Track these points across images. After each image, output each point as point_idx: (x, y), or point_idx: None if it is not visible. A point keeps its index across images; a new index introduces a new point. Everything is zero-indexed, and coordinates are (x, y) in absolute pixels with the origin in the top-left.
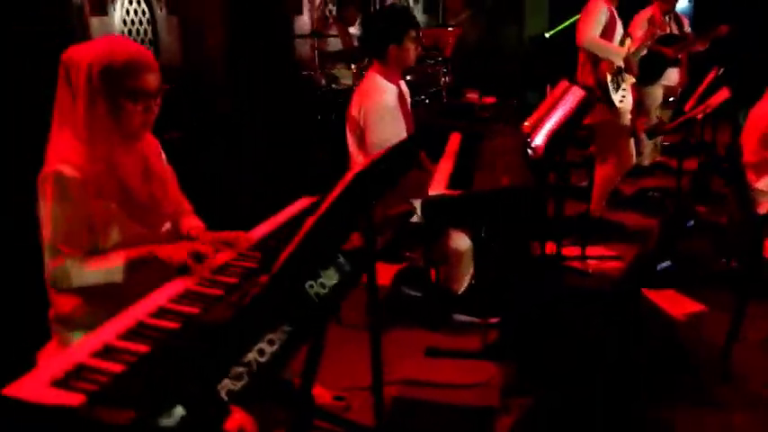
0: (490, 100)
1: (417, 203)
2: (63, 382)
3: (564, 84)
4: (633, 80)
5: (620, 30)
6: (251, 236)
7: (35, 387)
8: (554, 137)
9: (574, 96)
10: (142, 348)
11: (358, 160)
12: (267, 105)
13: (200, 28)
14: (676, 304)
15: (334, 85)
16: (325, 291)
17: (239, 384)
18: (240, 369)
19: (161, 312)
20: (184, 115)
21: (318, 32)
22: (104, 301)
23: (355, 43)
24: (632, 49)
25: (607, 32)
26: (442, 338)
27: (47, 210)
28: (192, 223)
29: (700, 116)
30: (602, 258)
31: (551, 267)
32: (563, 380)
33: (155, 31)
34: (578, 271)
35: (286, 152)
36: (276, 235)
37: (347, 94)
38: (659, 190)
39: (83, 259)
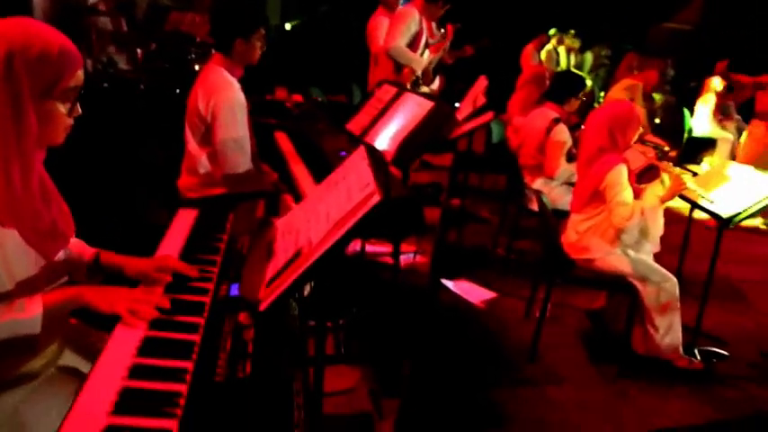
0: (298, 98)
1: None
2: None
3: (390, 88)
4: (427, 89)
5: (424, 40)
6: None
7: None
8: (405, 145)
9: (418, 106)
10: (164, 424)
11: (200, 158)
12: None
13: None
14: (472, 294)
15: (111, 70)
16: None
17: None
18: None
19: (139, 371)
20: None
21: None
22: (7, 354)
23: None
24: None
25: (415, 41)
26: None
27: None
28: (83, 248)
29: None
30: (407, 254)
31: (366, 266)
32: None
33: None
34: (391, 267)
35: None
36: (189, 258)
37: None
38: (431, 185)
39: None
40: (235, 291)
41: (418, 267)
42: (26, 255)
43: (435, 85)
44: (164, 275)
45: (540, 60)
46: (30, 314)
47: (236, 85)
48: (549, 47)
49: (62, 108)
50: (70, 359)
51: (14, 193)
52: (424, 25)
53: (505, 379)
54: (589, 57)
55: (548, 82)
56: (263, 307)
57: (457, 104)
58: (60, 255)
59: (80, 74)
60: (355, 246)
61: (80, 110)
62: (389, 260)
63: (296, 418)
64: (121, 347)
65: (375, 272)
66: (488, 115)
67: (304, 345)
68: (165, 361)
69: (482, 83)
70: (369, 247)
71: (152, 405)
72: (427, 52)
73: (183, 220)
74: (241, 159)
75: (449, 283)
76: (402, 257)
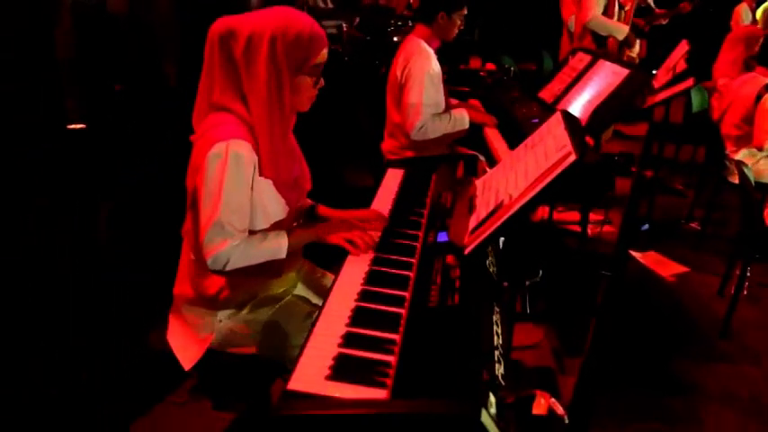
0: (491, 66)
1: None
2: (340, 375)
3: (584, 56)
4: (633, 54)
5: (617, 4)
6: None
7: (316, 383)
8: (597, 113)
9: (613, 74)
10: (389, 335)
11: (397, 122)
12: None
13: None
14: (662, 266)
15: None
16: (494, 268)
17: (501, 368)
18: (496, 353)
19: (368, 295)
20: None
21: None
22: (247, 281)
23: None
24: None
25: (608, 8)
26: None
27: (216, 187)
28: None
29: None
30: (595, 223)
31: (552, 232)
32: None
33: None
34: (578, 235)
35: None
36: (400, 210)
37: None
38: (622, 155)
39: (247, 239)
40: (442, 237)
41: (605, 237)
42: (276, 201)
43: (636, 48)
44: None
45: (754, 20)
46: (278, 243)
47: (432, 55)
48: (766, 4)
49: (309, 81)
50: (303, 291)
51: (275, 150)
52: None
53: (693, 351)
54: None
55: (759, 44)
56: (467, 251)
57: (654, 71)
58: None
59: (325, 52)
60: (543, 212)
61: (323, 82)
62: (577, 228)
63: (495, 342)
64: (352, 277)
65: (562, 238)
66: (688, 82)
67: (500, 292)
68: (387, 290)
69: (683, 47)
70: (557, 215)
71: (379, 321)
72: (624, 13)
73: (392, 179)
74: (424, 125)
75: (637, 255)
76: (589, 226)
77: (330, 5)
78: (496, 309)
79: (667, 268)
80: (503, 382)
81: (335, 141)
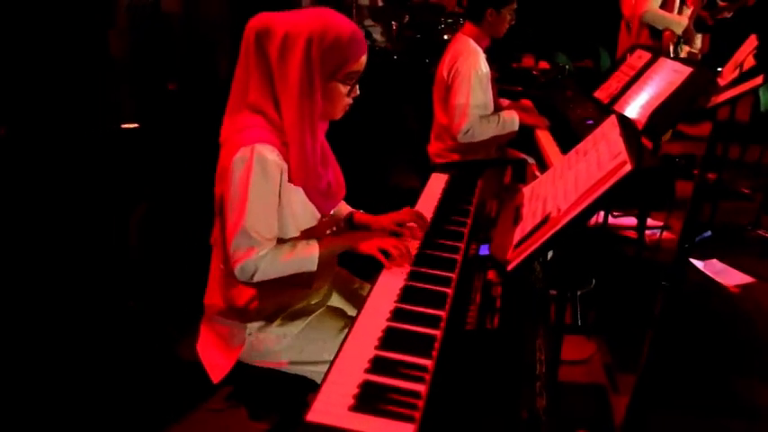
0: (544, 65)
1: None
2: (365, 406)
3: (643, 54)
4: (694, 50)
5: None
6: (406, 215)
7: (339, 414)
8: (657, 114)
9: (675, 72)
10: (421, 361)
11: (444, 124)
12: None
13: None
14: (725, 276)
15: (368, 41)
16: (541, 277)
17: (543, 400)
18: (539, 384)
19: (401, 314)
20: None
21: None
22: (277, 292)
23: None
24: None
25: (668, 1)
26: None
27: (241, 193)
28: (343, 206)
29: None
30: (654, 229)
31: (607, 239)
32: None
33: None
34: (635, 241)
35: None
36: (441, 219)
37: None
38: (683, 157)
39: (275, 248)
40: (484, 250)
41: (664, 244)
42: (308, 209)
43: (698, 44)
44: (413, 227)
45: None
46: (309, 253)
47: (481, 54)
48: None
49: (343, 89)
50: (338, 302)
51: (305, 156)
52: None
53: (757, 368)
54: None
55: None
56: (510, 267)
57: (719, 69)
58: (331, 212)
59: (363, 59)
60: (598, 217)
61: (358, 91)
62: (633, 234)
63: (538, 370)
64: (385, 293)
65: (617, 245)
66: (756, 80)
67: (546, 308)
68: (422, 308)
69: (751, 43)
70: (612, 220)
71: (411, 344)
72: (687, 9)
73: (436, 184)
74: (471, 127)
75: (698, 263)
76: (647, 232)
77: (380, 3)
78: (541, 331)
79: (731, 278)
80: (544, 418)
81: (383, 142)
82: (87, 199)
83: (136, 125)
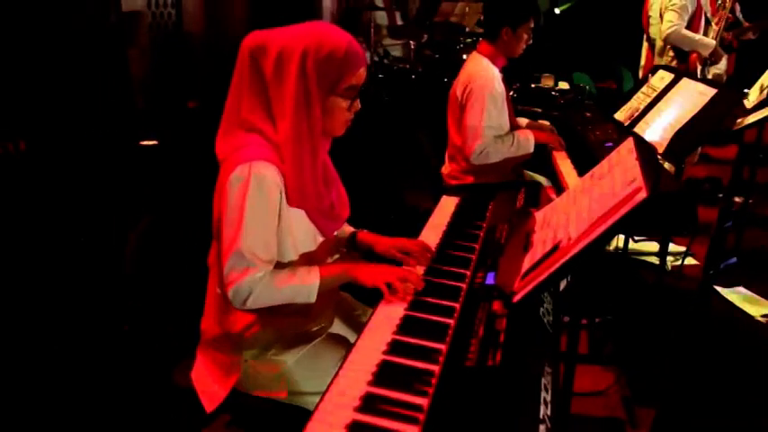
0: (564, 86)
1: None
2: None
3: (666, 75)
4: (719, 71)
5: (704, 17)
6: (409, 244)
7: None
8: (679, 137)
9: (699, 94)
10: (415, 400)
11: (458, 145)
12: None
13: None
14: (751, 305)
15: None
16: (550, 316)
17: None
18: (542, 427)
19: (397, 347)
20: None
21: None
22: (275, 318)
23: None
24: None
25: (693, 22)
26: None
27: (237, 212)
28: (346, 227)
29: None
30: (676, 255)
31: (627, 264)
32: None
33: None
34: (656, 268)
35: None
36: (448, 244)
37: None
38: (708, 180)
39: (272, 273)
40: (491, 279)
41: (687, 271)
42: (309, 231)
43: (723, 65)
44: (419, 257)
45: None
46: (308, 282)
47: (496, 75)
48: None
49: (343, 103)
50: (340, 328)
51: (304, 175)
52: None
53: None
54: None
55: None
56: (516, 299)
57: (746, 90)
58: (335, 233)
59: (362, 72)
60: (617, 241)
61: (359, 105)
62: (655, 260)
63: (542, 414)
64: (383, 324)
65: (638, 272)
66: None
67: (556, 340)
68: (421, 340)
69: None
70: (632, 245)
71: (406, 380)
72: (712, 28)
73: (446, 207)
74: (485, 148)
75: (723, 291)
76: (669, 258)
77: (398, 22)
78: (547, 369)
79: (757, 307)
80: None
81: (398, 161)
82: (100, 215)
83: (155, 142)
